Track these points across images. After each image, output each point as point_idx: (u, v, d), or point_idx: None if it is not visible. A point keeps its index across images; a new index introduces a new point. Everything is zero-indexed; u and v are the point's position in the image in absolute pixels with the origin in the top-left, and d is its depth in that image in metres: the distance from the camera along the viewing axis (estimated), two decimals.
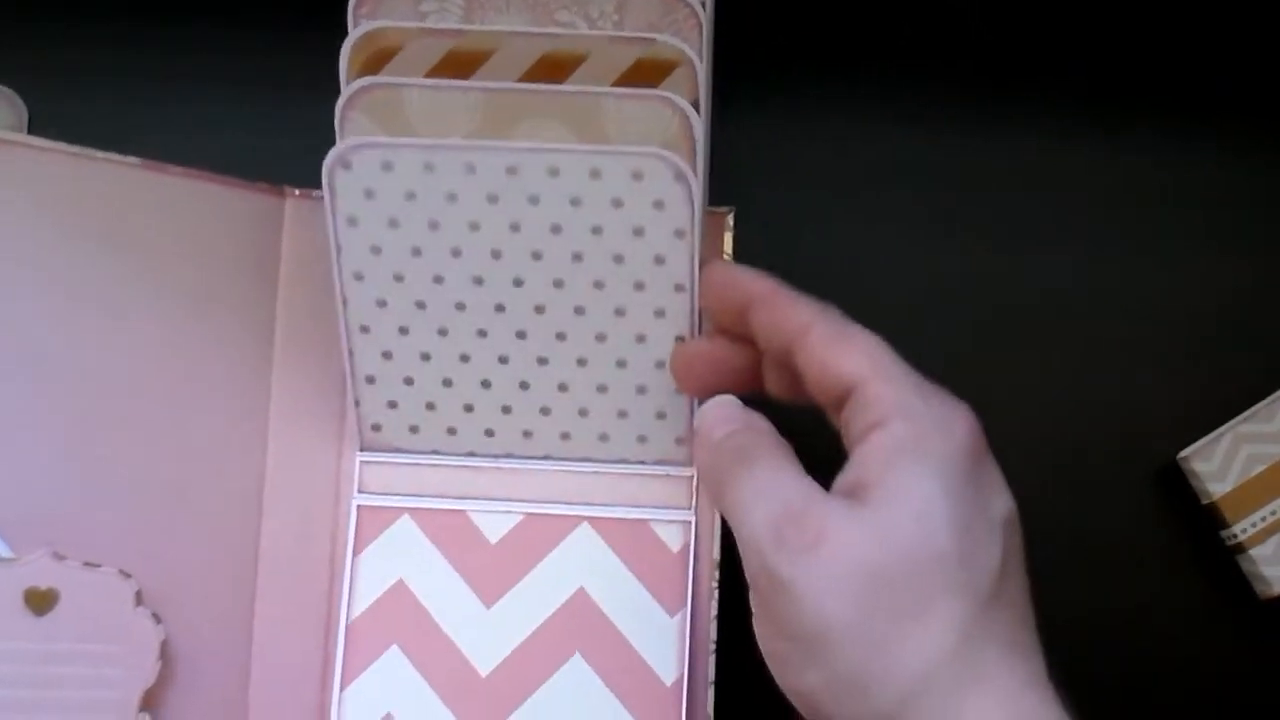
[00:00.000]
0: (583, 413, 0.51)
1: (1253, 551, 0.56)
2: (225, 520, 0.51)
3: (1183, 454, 0.57)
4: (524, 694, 0.50)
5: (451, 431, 0.52)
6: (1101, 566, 0.58)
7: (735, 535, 0.43)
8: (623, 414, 0.51)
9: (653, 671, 0.51)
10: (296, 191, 0.53)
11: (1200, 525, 0.58)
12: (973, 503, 0.41)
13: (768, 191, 0.58)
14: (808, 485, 0.42)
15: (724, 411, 0.46)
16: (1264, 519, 0.56)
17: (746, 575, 0.42)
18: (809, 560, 0.40)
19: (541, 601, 0.51)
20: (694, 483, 0.52)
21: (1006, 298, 0.59)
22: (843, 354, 0.43)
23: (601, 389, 0.51)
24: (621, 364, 0.50)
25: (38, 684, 0.47)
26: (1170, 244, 0.59)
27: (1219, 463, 0.57)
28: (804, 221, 0.59)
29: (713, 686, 0.50)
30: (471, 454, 0.52)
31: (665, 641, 0.51)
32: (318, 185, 0.51)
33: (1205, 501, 0.57)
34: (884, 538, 0.40)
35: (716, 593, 0.51)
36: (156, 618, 0.49)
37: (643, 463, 0.52)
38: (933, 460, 0.41)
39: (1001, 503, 0.42)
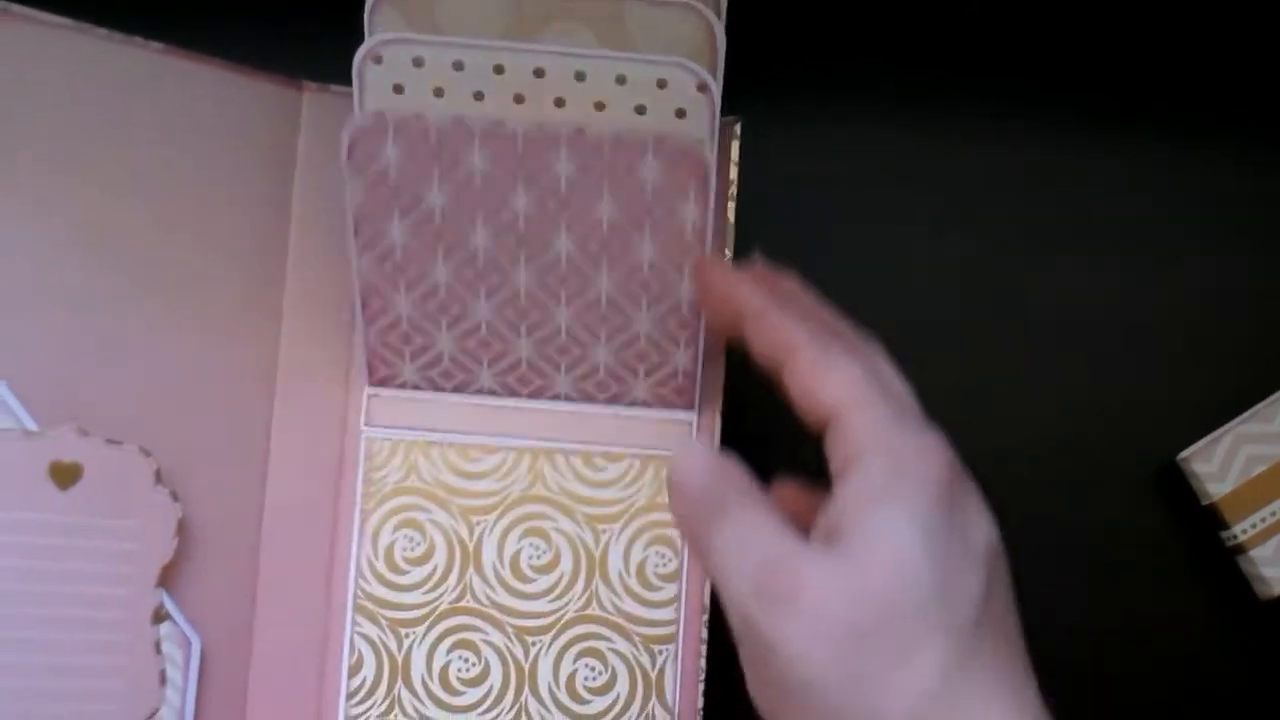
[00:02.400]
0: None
1: (1253, 552, 0.57)
2: (239, 402, 0.52)
3: (1183, 455, 0.57)
4: None
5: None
6: (1101, 567, 0.58)
7: (718, 589, 0.42)
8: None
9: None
10: (313, 85, 0.54)
11: (1200, 526, 0.58)
12: (951, 536, 0.40)
13: (769, 191, 0.58)
14: (785, 534, 0.41)
15: (697, 461, 0.44)
16: (1264, 520, 0.57)
17: (732, 628, 0.42)
18: (788, 614, 0.40)
19: None
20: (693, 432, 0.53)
21: (1007, 298, 0.59)
22: (824, 382, 0.43)
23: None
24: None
25: (60, 555, 0.48)
26: (1171, 244, 0.60)
27: (1219, 463, 0.57)
28: (805, 221, 0.59)
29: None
30: (479, 391, 0.53)
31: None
32: (333, 80, 0.52)
33: (1205, 502, 0.57)
34: (861, 587, 0.39)
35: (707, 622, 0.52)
36: (174, 495, 0.50)
37: (648, 405, 0.53)
38: (908, 499, 0.40)
39: (982, 531, 0.41)
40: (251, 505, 0.52)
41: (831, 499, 0.42)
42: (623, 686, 0.52)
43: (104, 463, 0.49)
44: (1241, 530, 0.57)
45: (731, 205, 0.52)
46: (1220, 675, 0.58)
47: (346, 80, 0.52)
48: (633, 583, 0.53)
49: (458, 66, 0.48)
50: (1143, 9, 0.60)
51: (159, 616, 0.50)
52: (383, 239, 0.50)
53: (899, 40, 0.60)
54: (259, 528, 0.52)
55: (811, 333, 0.44)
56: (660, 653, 0.52)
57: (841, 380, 0.43)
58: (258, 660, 0.52)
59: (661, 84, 0.48)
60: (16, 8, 0.48)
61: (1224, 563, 0.57)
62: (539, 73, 0.48)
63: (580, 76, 0.48)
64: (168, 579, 0.50)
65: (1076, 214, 0.60)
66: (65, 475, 0.48)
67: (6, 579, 0.47)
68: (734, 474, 0.44)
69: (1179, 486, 0.58)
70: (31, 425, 0.48)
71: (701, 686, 0.52)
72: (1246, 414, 0.57)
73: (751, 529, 0.42)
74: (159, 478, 0.50)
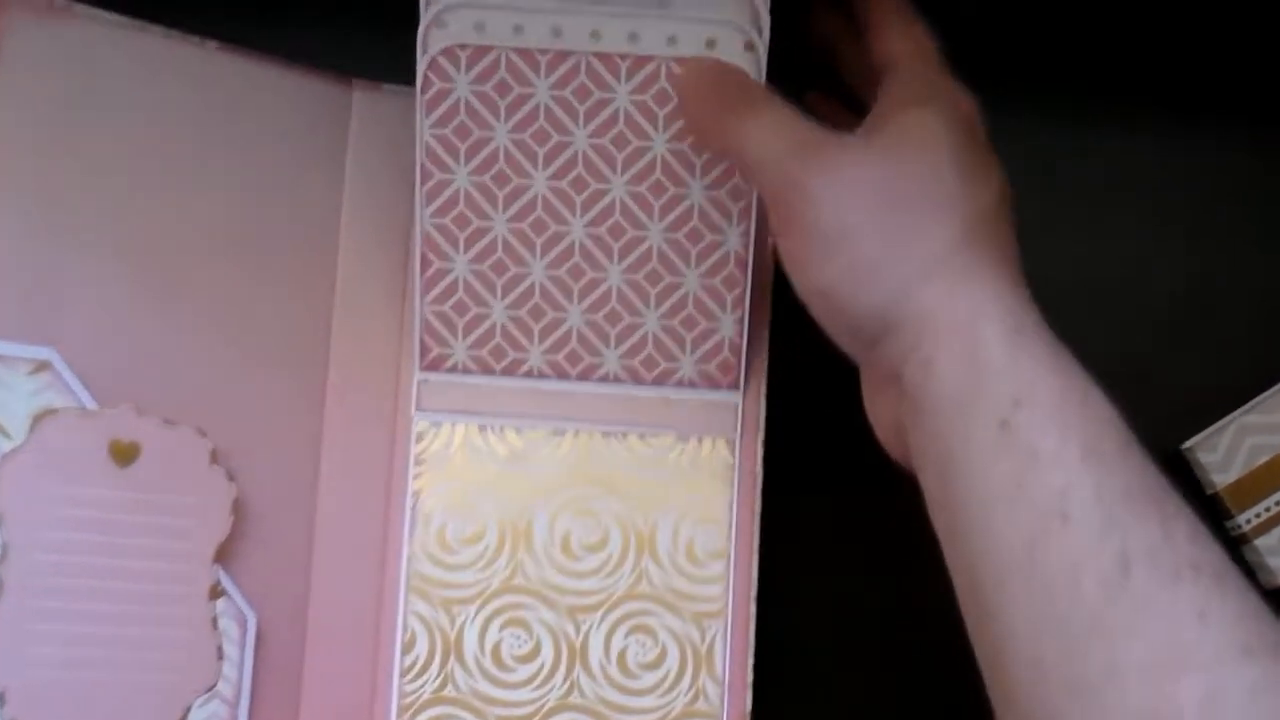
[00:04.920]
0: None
1: (1257, 542, 0.57)
2: (292, 385, 0.54)
3: (1187, 444, 0.57)
4: None
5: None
6: None
7: (745, 164, 0.47)
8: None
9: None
10: (364, 83, 0.56)
11: (1205, 516, 0.56)
12: (975, 152, 0.45)
13: None
14: (820, 126, 0.45)
15: (713, 63, 0.49)
16: (1268, 509, 0.56)
17: (766, 196, 0.46)
18: (830, 172, 0.44)
19: None
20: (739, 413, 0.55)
21: None
22: (891, 35, 0.49)
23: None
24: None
25: (120, 531, 0.49)
26: (1174, 235, 0.60)
27: (1223, 453, 0.57)
28: None
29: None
30: (529, 375, 0.54)
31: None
32: (386, 79, 0.54)
33: (1209, 492, 0.57)
34: (896, 158, 0.44)
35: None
36: (230, 475, 0.51)
37: (695, 385, 0.54)
38: (942, 114, 0.45)
39: (996, 167, 0.46)
40: (306, 486, 0.54)
41: (881, 94, 0.47)
42: (673, 661, 0.53)
43: (161, 442, 0.50)
44: (1246, 520, 0.57)
45: None
46: None
47: (398, 79, 0.54)
48: (681, 560, 0.53)
49: (518, 30, 0.49)
50: (1140, 2, 0.60)
51: (215, 593, 0.51)
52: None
53: None
54: (313, 508, 0.54)
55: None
56: (710, 627, 0.53)
57: (907, 35, 0.49)
58: (312, 637, 0.53)
59: (711, 43, 0.49)
60: (77, 6, 0.50)
61: (1229, 553, 0.56)
62: (595, 35, 0.49)
63: (634, 38, 0.49)
64: (224, 557, 0.51)
65: (1078, 204, 0.60)
66: (124, 454, 0.50)
67: (70, 552, 0.49)
68: (754, 79, 0.49)
69: (1183, 476, 0.58)
70: (90, 403, 0.49)
71: (750, 660, 0.53)
72: (1251, 404, 0.57)
73: (787, 118, 0.46)
74: (214, 458, 0.51)
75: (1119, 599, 0.39)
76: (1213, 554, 0.40)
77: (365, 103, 0.56)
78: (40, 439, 0.48)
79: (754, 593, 0.53)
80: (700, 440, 0.54)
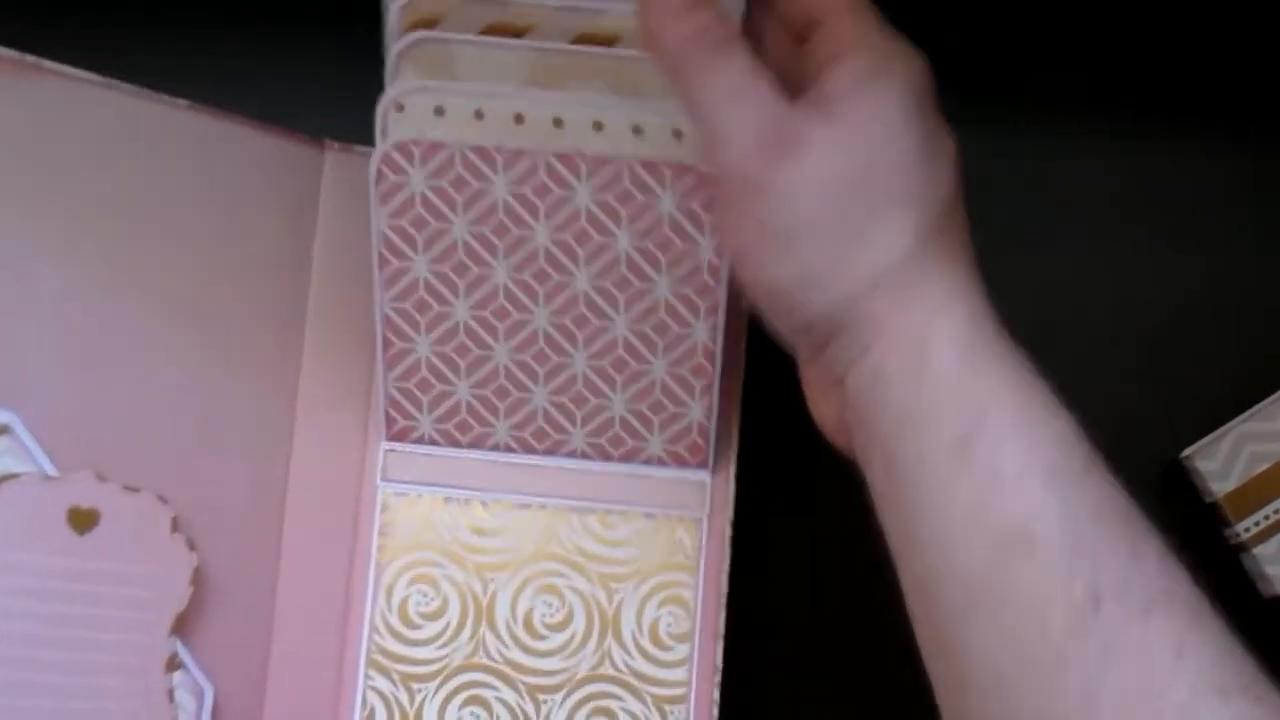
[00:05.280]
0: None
1: (1256, 550, 0.56)
2: (256, 454, 0.53)
3: (1186, 453, 0.57)
4: None
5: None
6: None
7: (699, 122, 0.43)
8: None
9: None
10: (336, 145, 0.55)
11: (1204, 524, 0.57)
12: (928, 130, 0.43)
13: None
14: (779, 95, 0.43)
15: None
16: (1267, 518, 0.56)
17: (718, 183, 0.44)
18: (790, 165, 0.42)
19: None
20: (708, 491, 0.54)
21: (1008, 297, 0.58)
22: None
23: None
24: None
25: (76, 600, 0.48)
26: (1171, 243, 0.60)
27: (1222, 461, 0.56)
28: None
29: None
30: (495, 448, 0.54)
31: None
32: (355, 140, 0.53)
33: (1208, 500, 0.57)
34: (857, 146, 0.42)
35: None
36: (190, 544, 0.50)
37: (663, 463, 0.54)
38: (895, 86, 0.43)
39: (949, 140, 0.44)
40: (268, 556, 0.53)
41: (818, 82, 0.43)
42: None
43: (121, 509, 0.49)
44: (1245, 528, 0.56)
45: None
46: None
47: (368, 141, 0.53)
48: (645, 642, 0.53)
49: (478, 116, 0.49)
50: (1142, 7, 0.60)
51: (173, 664, 0.50)
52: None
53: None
54: (275, 579, 0.53)
55: None
56: (671, 713, 0.52)
57: None
58: (270, 711, 0.52)
59: (678, 134, 0.48)
60: (46, 63, 0.49)
61: (1227, 561, 0.57)
62: (558, 122, 0.49)
63: (598, 127, 0.48)
64: (182, 627, 0.50)
65: (1076, 213, 0.60)
66: (83, 520, 0.49)
67: (23, 621, 0.48)
68: (728, 21, 0.45)
69: (1182, 484, 0.57)
70: (50, 469, 0.48)
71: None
72: (1249, 412, 0.57)
73: (752, 78, 0.43)
74: (175, 525, 0.50)
75: (1091, 633, 0.38)
76: (1183, 581, 0.40)
77: (337, 164, 0.55)
78: None
79: (718, 677, 0.52)
80: (668, 519, 0.53)
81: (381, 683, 0.52)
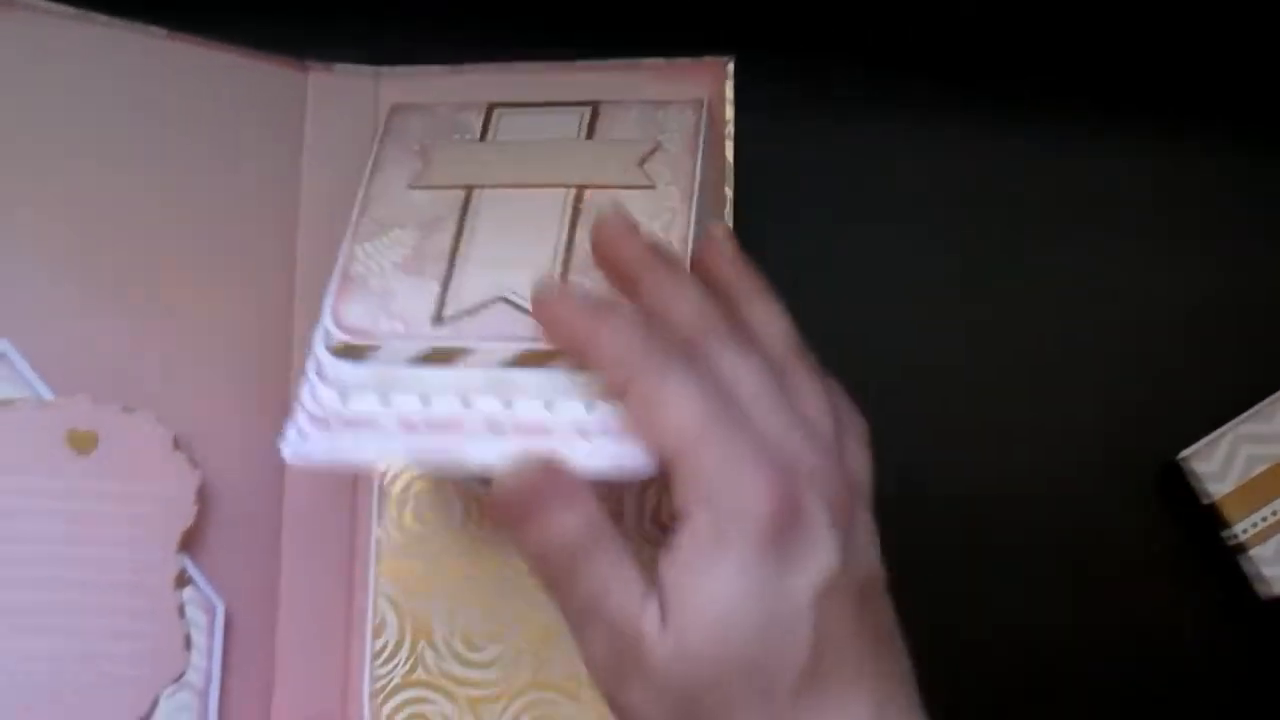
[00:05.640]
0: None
1: (1254, 552, 0.56)
2: (256, 372, 0.53)
3: (1183, 454, 0.57)
4: None
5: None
6: (1102, 567, 0.58)
7: (573, 632, 0.42)
8: None
9: None
10: (318, 65, 0.55)
11: (1201, 526, 0.57)
12: (776, 589, 0.39)
13: (769, 192, 0.57)
14: (638, 591, 0.40)
15: (562, 486, 0.42)
16: (1265, 519, 0.56)
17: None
18: (633, 685, 0.40)
19: None
20: None
21: (1006, 298, 0.59)
22: (658, 422, 0.40)
23: None
24: None
25: (82, 520, 0.49)
26: (1171, 243, 0.59)
27: (1219, 463, 0.56)
28: (803, 222, 0.59)
29: None
30: None
31: None
32: (335, 58, 0.54)
33: (1206, 502, 0.57)
34: (691, 655, 0.39)
35: None
36: (194, 461, 0.51)
37: None
38: (731, 552, 0.39)
39: (812, 573, 0.40)
40: (273, 472, 0.53)
41: (668, 549, 0.40)
42: None
43: (120, 430, 0.50)
44: (1242, 530, 0.56)
45: (729, 144, 0.53)
46: (1220, 675, 0.58)
47: (349, 58, 0.53)
48: None
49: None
50: (1143, 7, 0.59)
51: (181, 581, 0.50)
52: None
53: (900, 41, 0.60)
54: (280, 494, 0.53)
55: (650, 349, 0.41)
56: None
57: (676, 417, 0.40)
58: (283, 623, 0.52)
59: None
60: None
61: (1225, 562, 0.57)
62: None
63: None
64: (191, 544, 0.51)
65: (1076, 214, 0.59)
66: (83, 442, 0.50)
67: (31, 543, 0.49)
68: (596, 512, 0.42)
69: (1179, 486, 0.57)
70: (47, 394, 0.49)
71: None
72: (1247, 414, 0.56)
73: (611, 583, 0.41)
74: (176, 444, 0.51)
75: None
76: None
77: (320, 85, 0.55)
78: None
79: None
80: None
81: (391, 589, 0.53)
